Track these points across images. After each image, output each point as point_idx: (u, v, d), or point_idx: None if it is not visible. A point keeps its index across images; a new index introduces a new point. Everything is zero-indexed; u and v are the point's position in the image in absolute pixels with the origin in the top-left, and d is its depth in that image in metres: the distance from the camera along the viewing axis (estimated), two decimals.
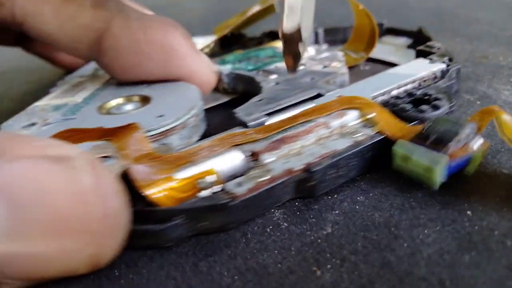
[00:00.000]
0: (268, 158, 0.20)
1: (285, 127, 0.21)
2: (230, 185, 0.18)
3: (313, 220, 0.18)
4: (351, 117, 0.22)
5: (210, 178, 0.18)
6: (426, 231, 0.17)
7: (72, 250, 0.15)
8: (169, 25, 0.26)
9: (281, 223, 0.18)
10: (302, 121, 0.21)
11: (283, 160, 0.20)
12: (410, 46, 0.37)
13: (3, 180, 0.14)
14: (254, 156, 0.20)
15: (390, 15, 0.52)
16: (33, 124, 0.23)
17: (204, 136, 0.24)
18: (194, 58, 0.27)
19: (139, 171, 0.18)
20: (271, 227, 0.18)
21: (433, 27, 0.45)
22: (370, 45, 0.34)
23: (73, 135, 0.21)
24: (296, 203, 0.19)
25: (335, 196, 0.20)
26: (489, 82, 0.30)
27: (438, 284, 0.15)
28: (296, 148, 0.20)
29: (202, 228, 0.18)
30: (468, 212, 0.18)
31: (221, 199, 0.18)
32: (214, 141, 0.20)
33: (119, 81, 0.27)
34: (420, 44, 0.35)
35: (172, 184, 0.18)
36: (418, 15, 0.50)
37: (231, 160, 0.19)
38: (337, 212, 0.19)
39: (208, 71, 0.28)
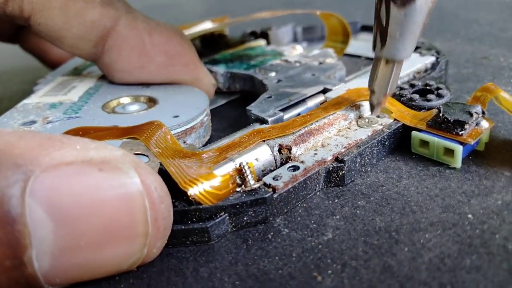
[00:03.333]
0: (297, 151, 0.21)
1: (311, 122, 0.22)
2: (268, 179, 0.19)
3: (314, 225, 0.18)
4: (366, 108, 0.23)
5: (247, 173, 0.18)
6: (427, 235, 0.17)
7: (125, 255, 0.15)
8: (175, 31, 0.26)
9: (282, 229, 0.18)
10: (325, 115, 0.22)
11: (312, 152, 0.21)
12: None
13: (42, 192, 0.13)
14: (283, 150, 0.20)
15: None
16: (33, 122, 0.22)
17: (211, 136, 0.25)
18: (197, 66, 0.27)
19: (179, 170, 0.18)
20: (272, 233, 0.18)
21: (434, 28, 0.45)
22: (346, 36, 0.37)
23: (87, 133, 0.20)
24: (298, 209, 0.19)
25: (336, 200, 0.20)
26: None
27: None
28: (320, 140, 0.21)
29: (244, 222, 0.18)
30: (469, 216, 0.18)
31: (263, 193, 0.18)
32: (242, 138, 0.21)
33: (116, 83, 0.27)
34: None
35: (214, 180, 0.18)
36: None
37: (264, 155, 0.20)
38: (337, 217, 0.19)
39: (208, 81, 0.28)
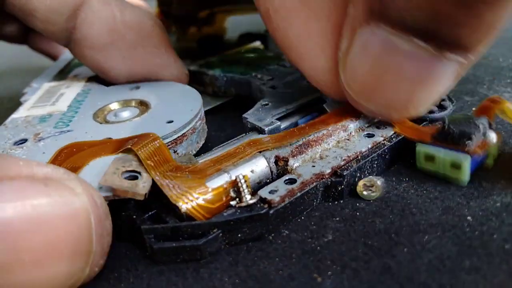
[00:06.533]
0: (294, 163, 0.20)
1: (309, 133, 0.21)
2: (264, 192, 0.18)
3: (314, 227, 0.18)
4: (367, 119, 0.22)
5: (243, 186, 0.18)
6: (426, 237, 0.17)
7: (67, 274, 0.14)
8: (148, 13, 0.27)
9: (282, 230, 0.18)
10: (324, 127, 0.21)
11: (309, 165, 0.20)
12: None
13: None
14: (280, 162, 0.20)
15: None
16: (24, 140, 0.21)
17: (206, 141, 0.24)
18: (167, 51, 0.27)
19: (171, 183, 0.18)
20: (272, 234, 0.18)
21: None
22: None
23: (81, 149, 0.20)
24: None
25: (335, 203, 0.20)
26: (489, 84, 0.30)
27: None
28: (318, 152, 0.21)
29: (238, 239, 0.18)
30: (468, 218, 0.18)
31: (258, 209, 0.17)
32: (238, 148, 0.20)
33: (87, 64, 0.26)
34: None
35: (206, 194, 0.17)
36: None
37: (259, 166, 0.19)
38: (337, 219, 0.19)
39: (179, 67, 0.27)
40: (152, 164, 0.18)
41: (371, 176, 0.20)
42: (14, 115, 0.24)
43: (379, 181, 0.19)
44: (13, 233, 0.13)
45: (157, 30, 0.26)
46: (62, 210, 0.14)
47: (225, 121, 0.29)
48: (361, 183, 0.20)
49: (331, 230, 0.18)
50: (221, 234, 0.17)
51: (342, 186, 0.19)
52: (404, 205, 0.19)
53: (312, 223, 0.19)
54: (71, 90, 0.27)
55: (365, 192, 0.19)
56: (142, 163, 0.18)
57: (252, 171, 0.19)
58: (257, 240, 0.18)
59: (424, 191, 0.20)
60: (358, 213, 0.19)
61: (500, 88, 0.29)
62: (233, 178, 0.18)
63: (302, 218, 0.19)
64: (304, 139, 0.21)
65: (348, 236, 0.18)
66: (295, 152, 0.20)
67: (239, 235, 0.18)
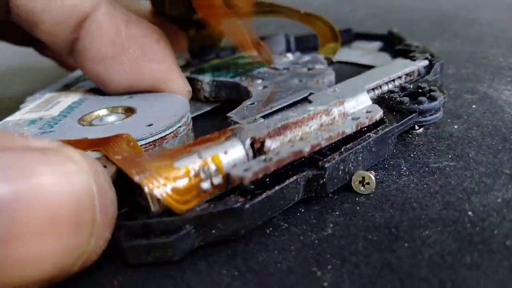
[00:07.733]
0: (271, 144, 0.18)
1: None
2: (237, 171, 0.17)
3: (314, 221, 0.18)
4: (352, 104, 0.21)
5: (212, 167, 0.17)
6: (427, 232, 0.17)
7: (70, 247, 0.14)
8: (154, 28, 0.26)
9: (281, 223, 0.18)
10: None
11: (288, 146, 0.19)
12: (381, 49, 0.37)
13: None
14: (256, 143, 0.19)
15: (390, 17, 0.52)
16: None
17: None
18: (171, 67, 0.26)
19: (136, 167, 0.17)
20: (271, 227, 0.18)
21: (434, 29, 0.45)
22: (335, 38, 0.35)
23: None
24: (297, 204, 0.19)
25: (336, 197, 0.19)
26: (489, 83, 0.30)
27: (439, 285, 0.14)
28: (299, 134, 0.19)
29: (213, 235, 0.17)
30: (470, 213, 0.18)
31: (233, 203, 0.17)
32: (213, 134, 0.19)
33: (88, 75, 0.26)
34: (392, 46, 0.35)
35: (174, 175, 0.16)
36: (418, 17, 0.50)
37: (233, 148, 0.18)
38: (337, 213, 0.18)
39: (182, 84, 0.27)
40: (120, 158, 0.18)
41: (363, 171, 0.19)
42: (8, 118, 0.25)
43: (372, 175, 0.19)
44: (8, 203, 0.12)
45: (162, 44, 0.26)
46: (60, 178, 0.13)
47: (216, 126, 0.29)
48: (354, 178, 0.19)
49: (331, 224, 0.18)
50: (193, 230, 0.16)
51: (324, 180, 0.18)
52: (405, 200, 0.19)
53: (312, 216, 0.18)
54: (68, 99, 0.27)
55: (361, 188, 0.19)
56: (110, 160, 0.18)
57: (225, 152, 0.18)
58: (233, 236, 0.17)
59: (425, 186, 0.19)
60: (358, 207, 0.19)
61: (500, 86, 0.29)
62: (203, 158, 0.17)
63: (302, 211, 0.19)
64: (283, 122, 0.19)
65: (348, 230, 0.17)
66: (273, 134, 0.19)
67: (213, 231, 0.17)
